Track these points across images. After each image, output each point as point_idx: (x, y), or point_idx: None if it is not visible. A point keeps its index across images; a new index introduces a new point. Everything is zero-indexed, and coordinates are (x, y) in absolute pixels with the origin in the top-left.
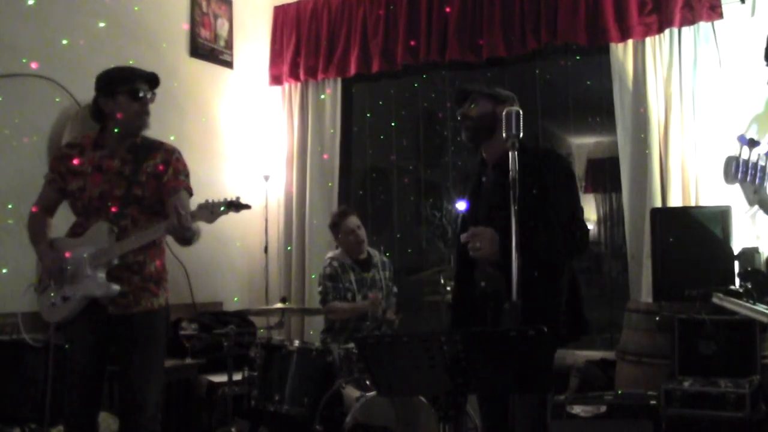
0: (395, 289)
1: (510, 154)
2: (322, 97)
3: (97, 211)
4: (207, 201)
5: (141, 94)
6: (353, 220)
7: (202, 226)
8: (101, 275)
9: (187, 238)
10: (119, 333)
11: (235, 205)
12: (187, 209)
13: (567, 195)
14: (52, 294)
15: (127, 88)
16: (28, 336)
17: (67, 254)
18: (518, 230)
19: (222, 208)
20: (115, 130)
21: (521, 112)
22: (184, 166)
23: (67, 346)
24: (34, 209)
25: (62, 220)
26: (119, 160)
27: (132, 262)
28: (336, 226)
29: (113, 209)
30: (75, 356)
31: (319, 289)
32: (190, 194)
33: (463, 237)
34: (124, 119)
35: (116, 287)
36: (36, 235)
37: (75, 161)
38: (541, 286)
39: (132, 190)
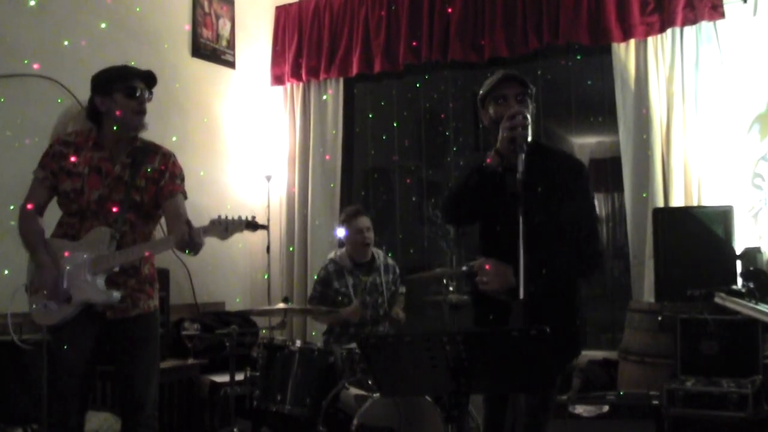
0: (402, 289)
1: (518, 159)
2: (324, 97)
3: (94, 215)
4: (220, 217)
5: (138, 92)
6: (364, 221)
7: (202, 224)
8: (101, 282)
9: (196, 250)
10: (116, 335)
11: (252, 225)
12: (184, 213)
13: (582, 203)
14: (45, 297)
15: (124, 86)
16: (22, 336)
17: (66, 253)
18: (534, 241)
19: (238, 226)
20: (114, 128)
21: (529, 118)
22: (180, 170)
23: (65, 346)
24: (28, 207)
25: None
26: (119, 165)
27: (128, 267)
28: (346, 222)
29: (113, 214)
30: (69, 358)
31: (311, 290)
32: (185, 197)
33: (469, 266)
34: (121, 117)
35: (117, 295)
36: (32, 236)
37: (70, 160)
38: (558, 304)
39: (131, 195)
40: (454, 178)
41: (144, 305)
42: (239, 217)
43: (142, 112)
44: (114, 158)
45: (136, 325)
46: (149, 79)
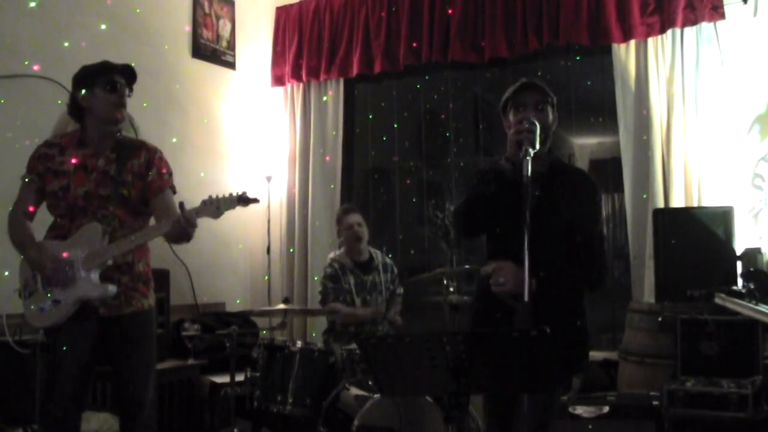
0: (401, 290)
1: (524, 162)
2: (325, 98)
3: (82, 212)
4: (211, 197)
5: (118, 86)
6: (354, 217)
7: (202, 225)
8: (95, 276)
9: (190, 234)
10: (112, 334)
11: (243, 200)
12: (174, 208)
13: (595, 225)
14: (46, 296)
15: (104, 80)
16: (22, 338)
17: (65, 254)
18: (541, 247)
19: (229, 203)
20: (96, 124)
21: (537, 124)
22: (167, 165)
23: (63, 348)
24: (18, 211)
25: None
26: (104, 160)
27: (121, 263)
28: (338, 221)
29: (102, 210)
30: (66, 359)
31: (320, 289)
32: (174, 192)
33: (484, 269)
34: (102, 112)
35: (113, 288)
36: (24, 238)
37: (56, 161)
38: (563, 312)
39: (118, 190)
40: (455, 180)
41: (138, 303)
42: (230, 194)
43: (122, 105)
44: (98, 154)
45: (131, 324)
46: (129, 73)
